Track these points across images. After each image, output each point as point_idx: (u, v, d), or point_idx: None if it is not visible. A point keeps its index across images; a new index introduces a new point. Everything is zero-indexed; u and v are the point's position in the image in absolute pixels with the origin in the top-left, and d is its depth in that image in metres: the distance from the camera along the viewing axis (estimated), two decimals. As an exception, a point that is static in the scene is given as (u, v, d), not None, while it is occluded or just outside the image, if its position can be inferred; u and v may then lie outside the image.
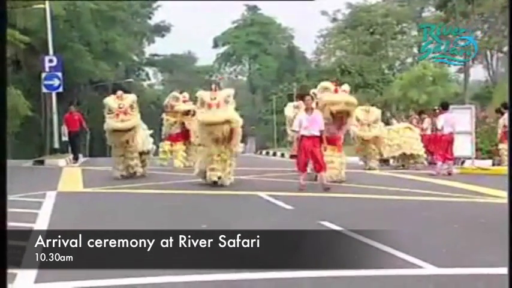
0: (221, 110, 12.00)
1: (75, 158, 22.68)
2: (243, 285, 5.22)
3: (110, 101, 14.41)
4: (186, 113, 18.42)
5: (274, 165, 20.74)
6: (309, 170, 15.09)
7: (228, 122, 12.05)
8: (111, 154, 15.99)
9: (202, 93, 12.59)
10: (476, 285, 5.29)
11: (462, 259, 6.13)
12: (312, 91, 15.29)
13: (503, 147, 17.27)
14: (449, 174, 15.57)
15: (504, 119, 17.52)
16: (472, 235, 7.61)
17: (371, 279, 5.36)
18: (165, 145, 19.32)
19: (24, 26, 35.31)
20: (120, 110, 13.98)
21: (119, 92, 14.83)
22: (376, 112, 18.21)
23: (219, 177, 12.27)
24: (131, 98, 14.65)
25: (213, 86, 12.65)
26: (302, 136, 11.94)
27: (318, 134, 11.84)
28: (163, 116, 19.65)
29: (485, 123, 21.44)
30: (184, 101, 18.82)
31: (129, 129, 14.18)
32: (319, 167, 11.97)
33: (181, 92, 20.00)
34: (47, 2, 27.05)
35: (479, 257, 6.22)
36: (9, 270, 5.43)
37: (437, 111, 17.17)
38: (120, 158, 14.66)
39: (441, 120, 15.85)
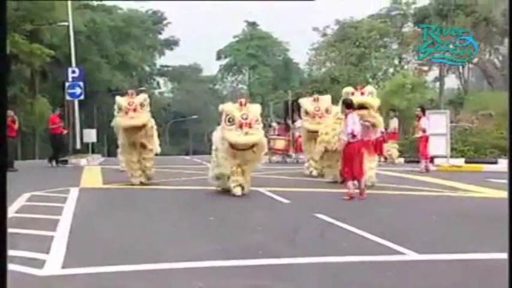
0: (252, 131, 10.10)
1: (64, 161, 19.63)
2: (245, 272, 5.19)
3: (121, 99, 12.17)
4: None
5: (272, 163, 20.67)
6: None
7: (256, 144, 10.38)
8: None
9: (231, 108, 10.36)
10: (454, 269, 5.28)
11: (441, 246, 6.12)
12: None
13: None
14: (427, 171, 15.58)
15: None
16: (450, 225, 7.60)
17: (358, 264, 5.35)
18: None
19: (50, 41, 35.53)
20: (130, 108, 11.81)
21: (130, 91, 12.61)
22: (326, 99, 14.68)
23: (242, 188, 10.46)
24: (142, 96, 12.43)
25: (242, 101, 10.41)
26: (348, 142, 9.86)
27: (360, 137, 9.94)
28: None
29: (458, 126, 21.54)
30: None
31: (140, 127, 11.98)
32: (358, 173, 9.89)
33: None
34: (70, 20, 27.12)
35: (457, 245, 6.21)
36: (39, 257, 5.44)
37: (420, 114, 16.58)
38: (136, 164, 12.36)
39: (425, 122, 15.94)
